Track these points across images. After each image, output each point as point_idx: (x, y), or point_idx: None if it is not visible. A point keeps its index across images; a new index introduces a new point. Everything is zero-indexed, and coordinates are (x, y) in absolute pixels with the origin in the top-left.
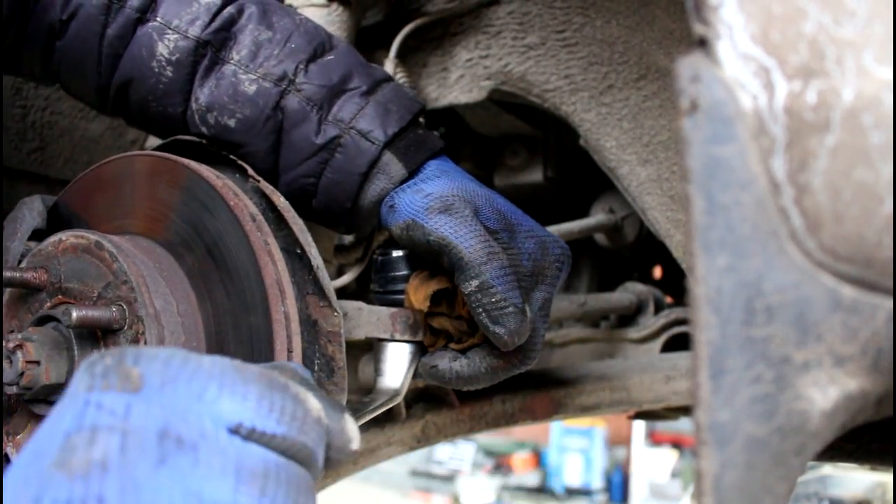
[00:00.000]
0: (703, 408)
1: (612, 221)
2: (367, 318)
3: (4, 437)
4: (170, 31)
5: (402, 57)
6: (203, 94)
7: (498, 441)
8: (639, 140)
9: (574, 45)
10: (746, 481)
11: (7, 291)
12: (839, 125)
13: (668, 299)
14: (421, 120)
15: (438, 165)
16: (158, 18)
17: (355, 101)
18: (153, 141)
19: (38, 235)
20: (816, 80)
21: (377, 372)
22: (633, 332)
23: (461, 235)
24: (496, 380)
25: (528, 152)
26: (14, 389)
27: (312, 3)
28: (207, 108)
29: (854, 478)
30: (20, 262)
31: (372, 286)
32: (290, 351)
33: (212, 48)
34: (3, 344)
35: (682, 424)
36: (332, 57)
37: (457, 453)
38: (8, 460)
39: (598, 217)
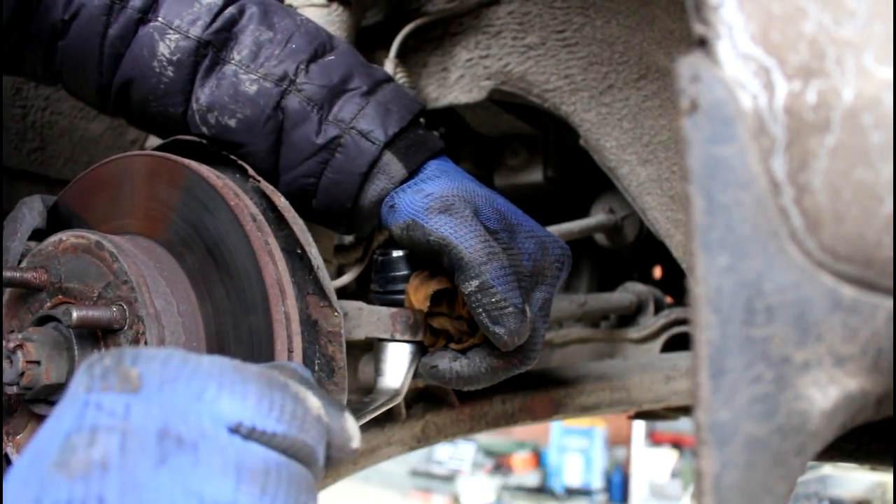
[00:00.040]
0: (703, 408)
1: (612, 221)
2: (367, 318)
3: (4, 437)
4: (171, 31)
5: (402, 57)
6: (204, 94)
7: (498, 441)
8: (639, 140)
9: (574, 45)
10: (746, 481)
11: (7, 291)
12: (839, 125)
13: (668, 299)
14: (421, 120)
15: (438, 165)
16: (160, 18)
17: (356, 101)
18: (153, 141)
19: (38, 235)
20: (816, 80)
21: (377, 372)
22: (633, 332)
23: (461, 235)
24: (496, 380)
25: (528, 152)
26: (14, 389)
27: (312, 3)
28: (208, 108)
29: (854, 478)
30: (20, 261)
31: (372, 286)
32: (290, 351)
33: (213, 48)
34: (4, 344)
35: (682, 424)
36: (332, 57)
37: (457, 453)
38: (8, 460)
39: (598, 217)
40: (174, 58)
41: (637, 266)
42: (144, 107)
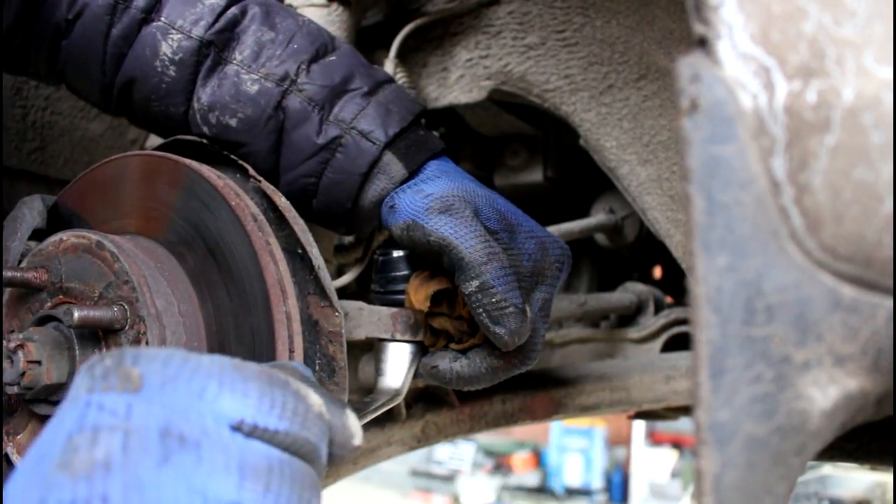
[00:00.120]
0: (703, 407)
1: (612, 221)
2: (367, 319)
3: (5, 437)
4: (174, 31)
5: (402, 57)
6: (205, 94)
7: (498, 441)
8: (639, 140)
9: (574, 45)
10: (746, 481)
11: (7, 291)
12: (839, 125)
13: (668, 299)
14: (422, 121)
15: (439, 166)
16: (163, 18)
17: (357, 101)
18: (153, 140)
19: (38, 235)
20: (816, 80)
21: (378, 372)
22: (633, 332)
23: (461, 236)
24: (496, 380)
25: (528, 152)
26: (15, 389)
27: (312, 3)
28: (209, 108)
29: (854, 478)
30: (20, 261)
31: (372, 286)
32: (291, 351)
33: (215, 48)
34: (4, 344)
35: (682, 424)
36: (333, 58)
37: (457, 453)
38: (8, 460)
39: (598, 217)
40: (176, 57)
41: (637, 266)
42: (146, 106)
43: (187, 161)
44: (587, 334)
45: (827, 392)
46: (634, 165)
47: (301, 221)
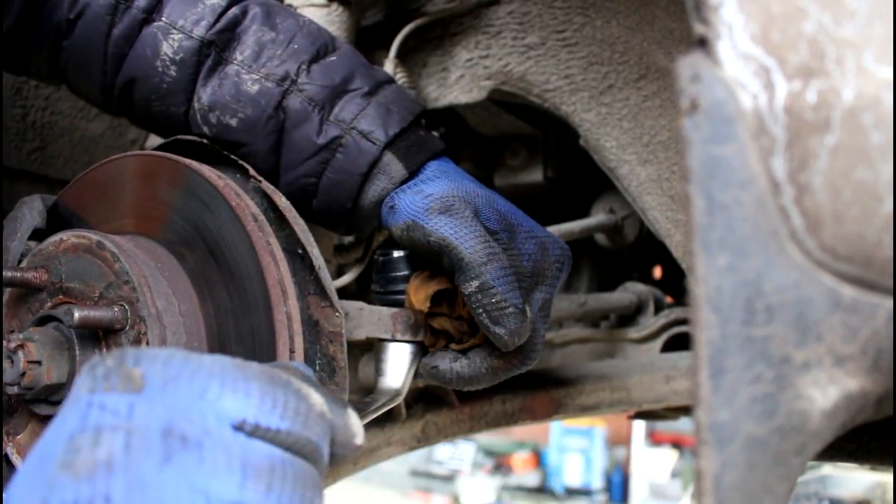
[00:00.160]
0: (703, 407)
1: (612, 221)
2: (368, 319)
3: (5, 437)
4: (175, 31)
5: (402, 57)
6: (206, 94)
7: (498, 441)
8: (639, 140)
9: (574, 45)
10: (746, 481)
11: (7, 291)
12: (839, 125)
13: (668, 299)
14: (422, 122)
15: (439, 166)
16: (164, 18)
17: (357, 101)
18: (153, 140)
19: (38, 235)
20: (816, 80)
21: (378, 372)
22: (633, 332)
23: (461, 236)
24: (497, 380)
25: (528, 152)
26: (15, 389)
27: (312, 3)
28: (210, 108)
29: (854, 478)
30: (20, 261)
31: (373, 286)
32: (292, 351)
33: (216, 48)
34: (4, 344)
35: (682, 424)
36: (334, 58)
37: (457, 453)
38: (8, 461)
39: (598, 217)
40: (177, 57)
41: (637, 266)
42: (147, 106)
43: (187, 161)
44: (587, 334)
45: (827, 392)
46: (634, 165)
47: (301, 221)
